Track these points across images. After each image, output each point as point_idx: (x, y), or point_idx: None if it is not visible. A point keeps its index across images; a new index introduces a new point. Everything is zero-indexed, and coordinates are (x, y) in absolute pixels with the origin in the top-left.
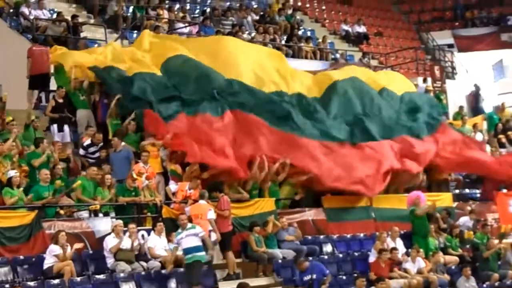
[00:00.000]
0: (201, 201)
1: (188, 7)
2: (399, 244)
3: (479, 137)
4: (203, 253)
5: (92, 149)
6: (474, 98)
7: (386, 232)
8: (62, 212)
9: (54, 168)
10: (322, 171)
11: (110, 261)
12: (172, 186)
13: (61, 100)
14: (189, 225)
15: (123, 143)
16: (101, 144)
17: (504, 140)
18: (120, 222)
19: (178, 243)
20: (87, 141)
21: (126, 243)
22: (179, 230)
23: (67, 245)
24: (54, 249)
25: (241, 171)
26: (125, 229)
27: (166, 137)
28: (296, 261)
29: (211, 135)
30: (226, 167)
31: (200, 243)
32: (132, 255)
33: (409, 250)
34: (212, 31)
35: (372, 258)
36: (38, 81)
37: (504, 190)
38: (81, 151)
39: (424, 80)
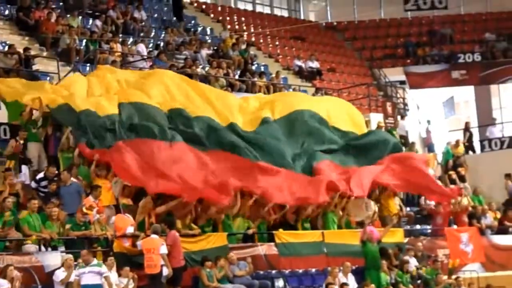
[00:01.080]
0: (153, 236)
1: (141, 41)
2: (351, 279)
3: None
4: None
5: (43, 183)
6: (428, 135)
7: (338, 267)
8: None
9: (4, 201)
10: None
11: None
12: (130, 228)
13: (22, 141)
14: (95, 261)
15: (72, 178)
16: (55, 178)
17: (454, 176)
18: (70, 256)
19: (78, 277)
20: (40, 175)
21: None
22: (82, 264)
23: (17, 279)
24: (2, 283)
25: (223, 198)
26: (76, 263)
27: (95, 156)
28: None
29: (161, 159)
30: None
31: (100, 282)
32: None
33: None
34: (166, 65)
35: None
36: None
37: (455, 226)
38: (33, 184)
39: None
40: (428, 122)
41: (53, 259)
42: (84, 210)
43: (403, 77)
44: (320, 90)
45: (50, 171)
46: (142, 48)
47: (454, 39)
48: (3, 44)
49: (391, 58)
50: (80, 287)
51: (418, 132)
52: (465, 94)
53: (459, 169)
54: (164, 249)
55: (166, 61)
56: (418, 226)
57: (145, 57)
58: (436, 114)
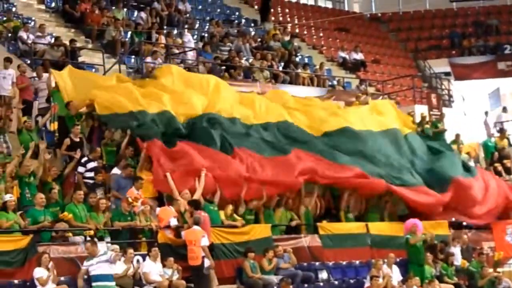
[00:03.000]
0: (195, 227)
1: (185, 32)
2: (395, 271)
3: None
4: (113, 283)
5: (90, 165)
6: (487, 126)
7: (382, 259)
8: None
9: (50, 192)
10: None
11: None
12: (173, 220)
13: (77, 139)
14: (101, 251)
15: (119, 170)
16: (99, 160)
17: (500, 168)
18: (117, 247)
19: (89, 271)
20: (85, 158)
21: (120, 268)
22: (89, 257)
23: (53, 268)
24: (38, 272)
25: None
26: (121, 253)
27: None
28: (280, 282)
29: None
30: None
31: (111, 272)
32: (130, 282)
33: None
34: (210, 57)
35: (367, 285)
36: None
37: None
38: (80, 169)
39: None
40: (486, 113)
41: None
42: (130, 200)
43: (448, 69)
44: (364, 81)
45: (94, 154)
46: (189, 38)
47: (500, 30)
48: (50, 36)
49: (436, 49)
50: (83, 278)
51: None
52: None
53: (505, 161)
54: (205, 241)
55: (211, 53)
56: None
57: (190, 48)
58: (481, 106)
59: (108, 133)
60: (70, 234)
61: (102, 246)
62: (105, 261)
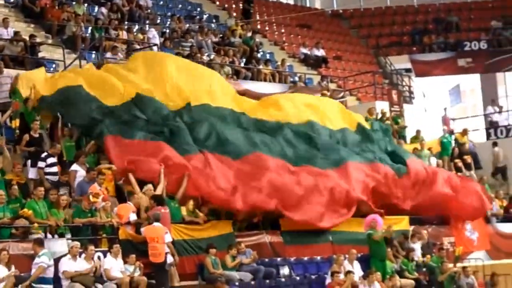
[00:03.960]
0: (156, 224)
1: (147, 28)
2: (356, 267)
3: (433, 161)
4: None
5: (50, 160)
6: (447, 122)
7: (343, 255)
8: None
9: (10, 189)
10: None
11: (65, 283)
12: (132, 215)
13: (36, 135)
14: (41, 251)
15: (78, 166)
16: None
17: (460, 164)
18: (77, 243)
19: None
20: (45, 153)
21: (81, 265)
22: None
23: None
24: None
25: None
26: (81, 250)
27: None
28: (215, 283)
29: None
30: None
31: (51, 275)
32: (91, 280)
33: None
34: (172, 52)
35: (328, 281)
36: None
37: None
38: (40, 163)
39: None
40: (445, 109)
41: (59, 246)
42: (91, 197)
43: (409, 65)
44: (325, 78)
45: (54, 150)
46: (153, 34)
47: (460, 27)
48: (8, 31)
49: (397, 46)
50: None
51: (423, 120)
52: (471, 82)
53: (465, 156)
54: (168, 237)
55: (172, 49)
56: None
57: (151, 44)
58: (441, 102)
59: (67, 130)
60: (39, 231)
61: (62, 244)
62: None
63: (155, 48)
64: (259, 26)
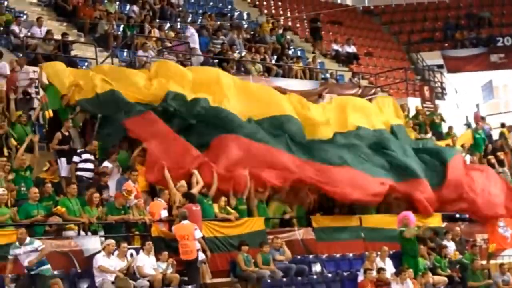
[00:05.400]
0: (184, 222)
1: (178, 26)
2: (388, 264)
3: (467, 158)
4: (48, 266)
5: (85, 156)
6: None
7: (375, 252)
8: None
9: (44, 186)
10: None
11: (98, 279)
12: (163, 212)
13: (67, 133)
14: (28, 239)
15: (110, 164)
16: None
17: (493, 161)
18: (113, 241)
19: (16, 257)
20: (81, 149)
21: (115, 262)
22: (17, 244)
23: None
24: None
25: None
26: (114, 248)
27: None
28: None
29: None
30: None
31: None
32: (130, 284)
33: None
34: (203, 49)
35: (360, 278)
36: None
37: None
38: (75, 158)
39: None
40: (477, 106)
41: (92, 243)
42: (124, 194)
43: (441, 61)
44: (357, 74)
45: (90, 147)
46: (191, 32)
47: (492, 22)
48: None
49: (429, 42)
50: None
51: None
52: (504, 78)
53: (498, 153)
54: (199, 234)
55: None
56: None
57: (183, 41)
58: (474, 98)
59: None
60: (75, 228)
61: (95, 241)
62: (31, 251)
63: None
64: (290, 24)
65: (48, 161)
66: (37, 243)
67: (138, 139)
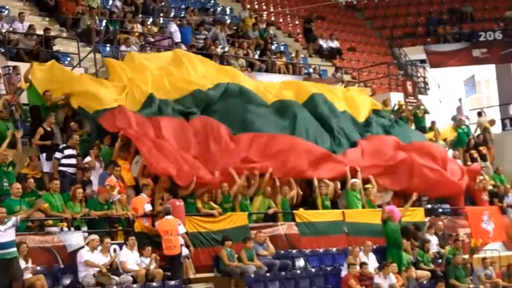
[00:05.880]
0: (168, 217)
1: (161, 21)
2: (372, 258)
3: (450, 152)
4: (13, 249)
5: (68, 151)
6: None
7: (358, 246)
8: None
9: (26, 182)
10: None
11: (82, 274)
12: (147, 206)
13: (49, 128)
14: (7, 218)
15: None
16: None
17: (476, 155)
18: (96, 236)
19: None
20: (63, 145)
21: (98, 257)
22: None
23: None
24: None
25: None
26: (99, 243)
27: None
28: None
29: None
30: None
31: (14, 238)
32: (111, 280)
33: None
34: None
35: (344, 273)
36: None
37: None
38: (57, 154)
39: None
40: (460, 100)
41: (75, 239)
42: (108, 189)
43: (423, 56)
44: (340, 69)
45: (72, 141)
46: (175, 28)
47: (475, 17)
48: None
49: (412, 36)
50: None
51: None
52: (486, 73)
53: (480, 147)
54: (182, 229)
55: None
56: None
57: (166, 37)
58: (456, 93)
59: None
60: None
61: (78, 236)
62: (11, 226)
63: (165, 41)
64: (273, 19)
65: (29, 157)
66: (14, 218)
67: (115, 132)
